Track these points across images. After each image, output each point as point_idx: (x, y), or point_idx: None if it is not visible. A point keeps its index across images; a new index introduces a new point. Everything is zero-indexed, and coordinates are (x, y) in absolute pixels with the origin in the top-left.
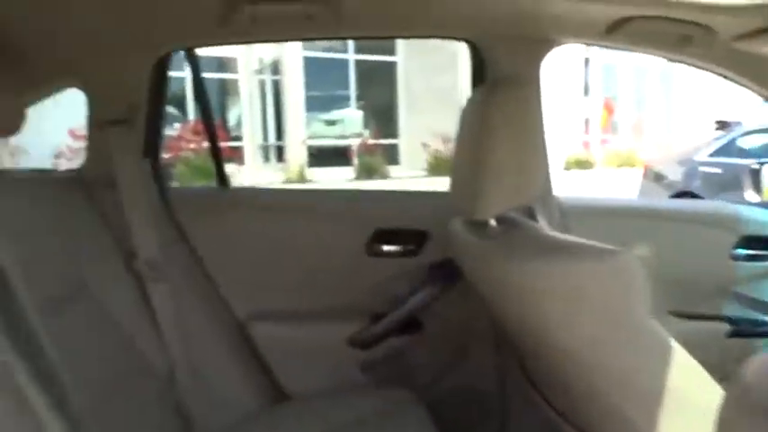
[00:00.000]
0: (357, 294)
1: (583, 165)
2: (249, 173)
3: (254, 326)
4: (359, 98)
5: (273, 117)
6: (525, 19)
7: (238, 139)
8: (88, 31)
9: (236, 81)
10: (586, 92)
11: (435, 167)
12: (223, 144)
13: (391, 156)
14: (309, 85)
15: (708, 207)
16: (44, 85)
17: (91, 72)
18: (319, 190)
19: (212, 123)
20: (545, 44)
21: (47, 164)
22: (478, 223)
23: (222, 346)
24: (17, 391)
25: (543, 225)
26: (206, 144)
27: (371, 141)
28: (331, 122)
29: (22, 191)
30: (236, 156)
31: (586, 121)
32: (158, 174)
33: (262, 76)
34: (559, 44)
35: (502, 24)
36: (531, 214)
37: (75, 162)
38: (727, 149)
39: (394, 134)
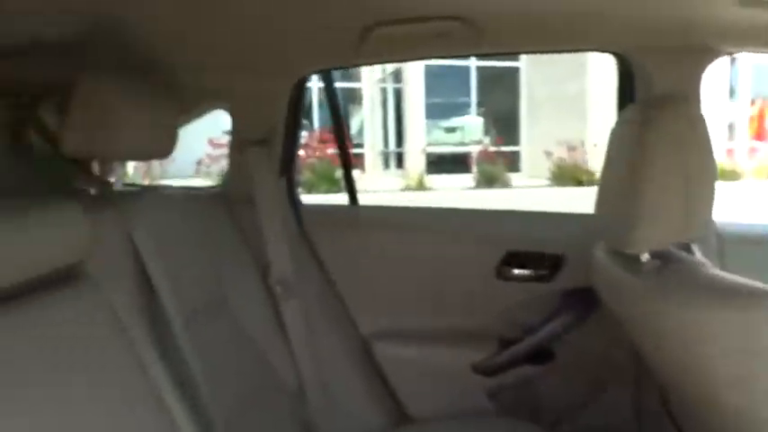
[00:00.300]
0: (485, 319)
1: (727, 175)
2: (370, 179)
3: (379, 345)
4: (479, 105)
5: (394, 124)
6: (685, 28)
7: (360, 146)
8: (236, 59)
9: (359, 89)
10: (732, 95)
11: (559, 177)
12: None
13: (512, 164)
14: (430, 92)
15: None
16: (195, 109)
17: (236, 96)
18: (450, 209)
19: (345, 144)
20: (707, 54)
21: (190, 170)
22: (630, 257)
23: (349, 364)
24: (159, 397)
25: (700, 258)
26: (330, 151)
27: (492, 149)
28: (451, 129)
29: (173, 206)
30: (358, 163)
31: (731, 127)
32: (293, 192)
33: (384, 84)
34: (724, 54)
35: (657, 35)
36: (685, 244)
37: (214, 167)
38: None
39: (515, 142)
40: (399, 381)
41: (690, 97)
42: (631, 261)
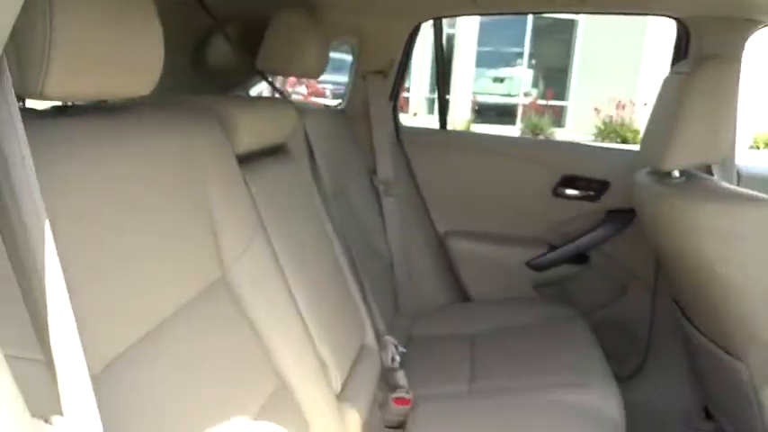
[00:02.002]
0: (539, 227)
1: None
2: (415, 123)
3: (453, 239)
4: (531, 56)
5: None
6: (735, 2)
7: (406, 89)
8: (368, 4)
9: None
10: None
11: (604, 133)
12: None
13: (559, 118)
14: (482, 40)
15: None
16: (331, 40)
17: (364, 32)
18: (520, 138)
19: (444, 80)
20: (751, 25)
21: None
22: (662, 174)
23: (427, 251)
24: (328, 234)
25: (717, 179)
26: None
27: (541, 102)
28: (499, 79)
29: (318, 113)
30: (404, 106)
31: None
32: (396, 114)
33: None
34: (765, 26)
35: (712, 5)
36: (709, 174)
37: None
38: None
39: (564, 96)
40: (465, 269)
41: (731, 61)
42: (664, 178)
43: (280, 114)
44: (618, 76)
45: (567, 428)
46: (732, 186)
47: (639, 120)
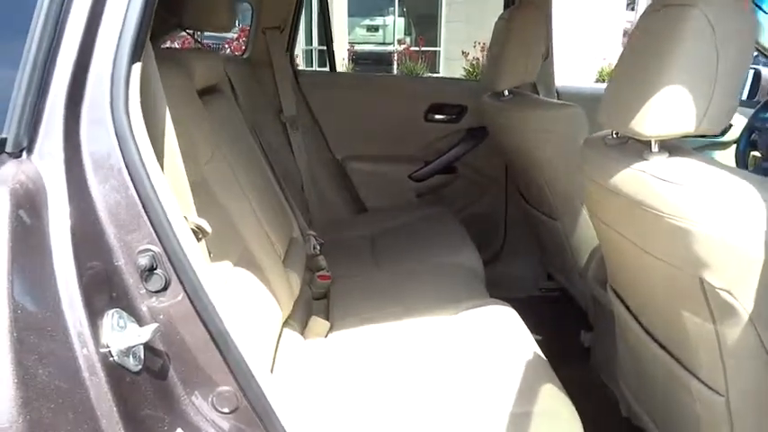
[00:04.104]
0: (417, 147)
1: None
2: None
3: (349, 162)
4: (402, 3)
5: (317, 21)
6: None
7: None
8: None
9: None
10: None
11: (471, 75)
12: None
13: (433, 63)
14: None
15: None
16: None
17: None
18: (396, 75)
19: (330, 32)
20: None
21: None
22: (498, 94)
23: (329, 173)
24: (259, 158)
25: (542, 96)
26: None
27: (414, 48)
28: (373, 28)
29: (237, 64)
30: None
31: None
32: (293, 61)
33: None
34: None
35: None
36: (535, 92)
37: None
38: None
39: (436, 42)
40: (362, 186)
41: (539, 9)
42: (500, 96)
43: (212, 61)
44: (483, 20)
45: (443, 277)
46: (543, 98)
47: None
